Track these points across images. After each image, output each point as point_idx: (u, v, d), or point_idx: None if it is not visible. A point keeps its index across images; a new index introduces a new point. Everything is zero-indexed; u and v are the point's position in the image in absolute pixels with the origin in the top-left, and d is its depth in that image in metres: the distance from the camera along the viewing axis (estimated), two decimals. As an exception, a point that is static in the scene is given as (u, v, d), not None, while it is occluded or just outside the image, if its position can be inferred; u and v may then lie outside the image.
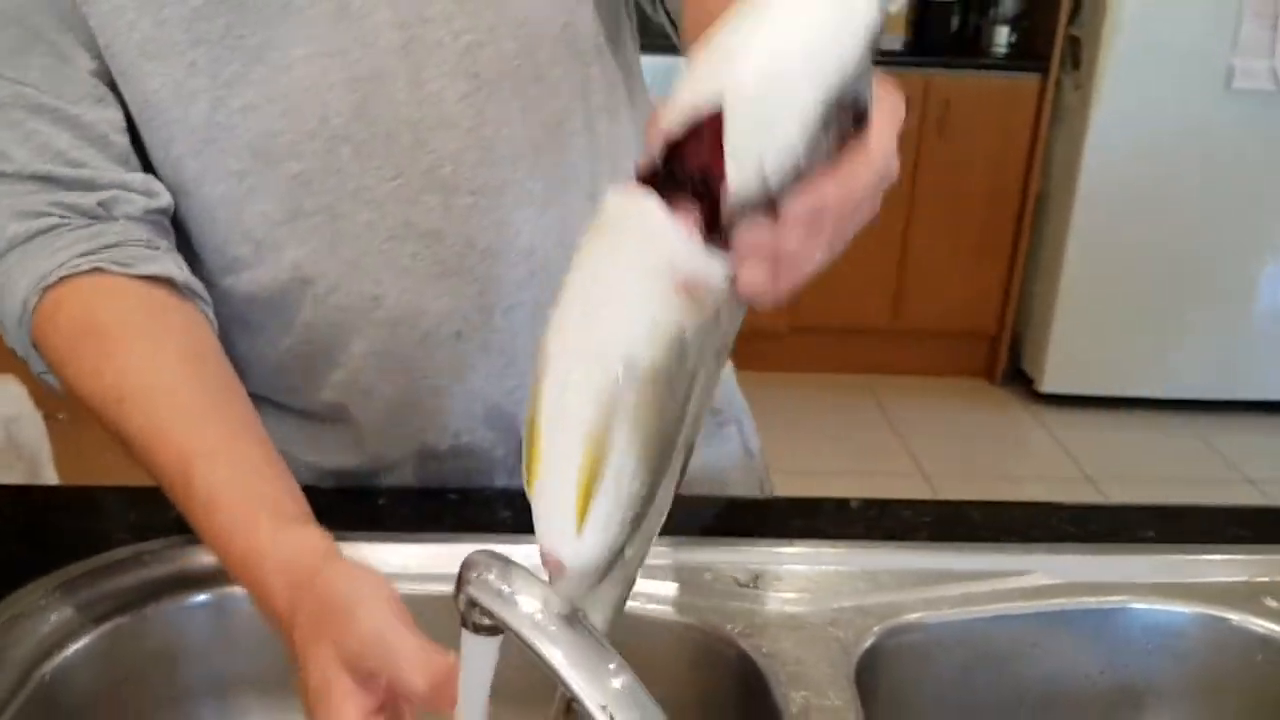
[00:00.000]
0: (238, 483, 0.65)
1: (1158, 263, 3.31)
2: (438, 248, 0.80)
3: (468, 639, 0.51)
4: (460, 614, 0.51)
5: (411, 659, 0.54)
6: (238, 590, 0.76)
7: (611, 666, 0.48)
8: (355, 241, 0.79)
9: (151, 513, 0.83)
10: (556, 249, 0.85)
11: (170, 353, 0.71)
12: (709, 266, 0.42)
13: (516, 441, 0.90)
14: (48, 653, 0.71)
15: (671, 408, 0.44)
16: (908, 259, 3.47)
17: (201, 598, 0.76)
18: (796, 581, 0.80)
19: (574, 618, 0.48)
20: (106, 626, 0.73)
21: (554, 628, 0.48)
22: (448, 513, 0.87)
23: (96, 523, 0.83)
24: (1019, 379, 3.56)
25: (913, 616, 0.78)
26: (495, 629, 0.50)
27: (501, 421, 0.89)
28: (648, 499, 0.46)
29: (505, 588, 0.49)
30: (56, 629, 0.72)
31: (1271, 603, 0.81)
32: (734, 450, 1.03)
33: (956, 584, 0.81)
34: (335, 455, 0.89)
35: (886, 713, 0.77)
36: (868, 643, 0.76)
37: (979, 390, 3.56)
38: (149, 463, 0.68)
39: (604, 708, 0.47)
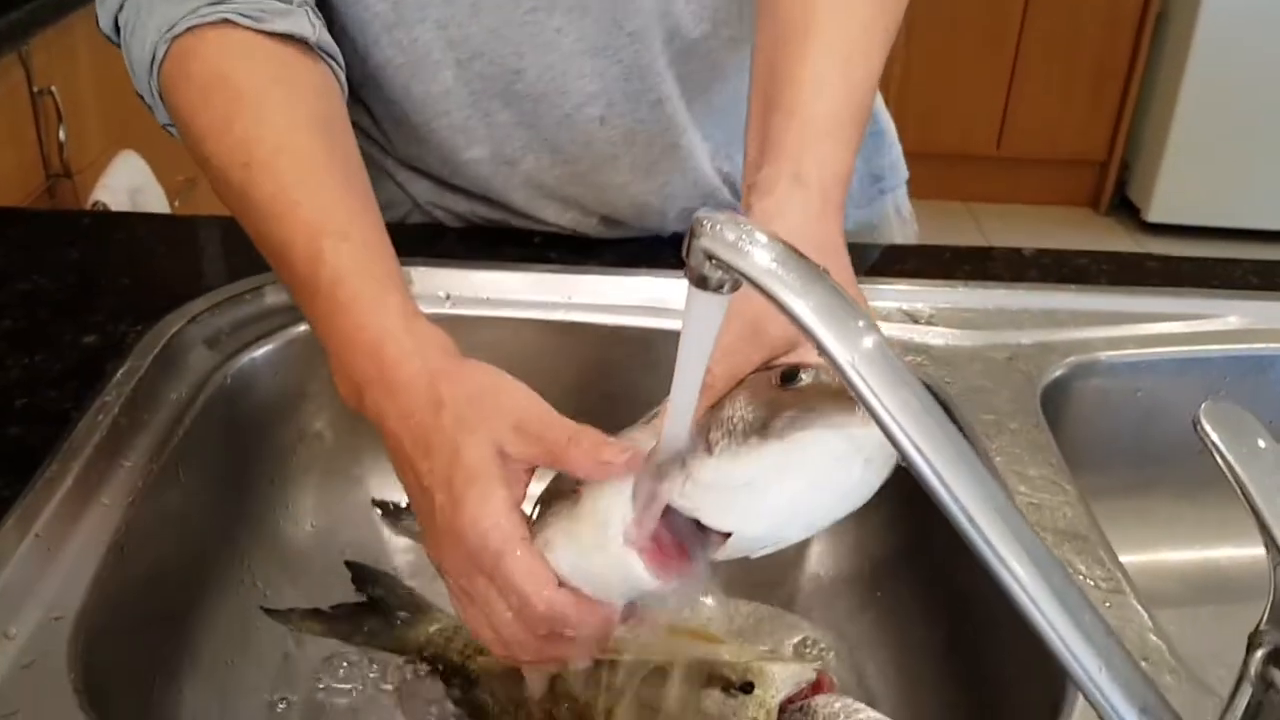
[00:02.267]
0: (369, 266, 0.59)
1: (1278, 90, 3.15)
2: (583, 24, 0.76)
3: (695, 298, 0.49)
4: (688, 271, 0.48)
5: (570, 427, 0.52)
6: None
7: (861, 324, 0.45)
8: (498, 9, 0.75)
9: (312, 239, 0.82)
10: (706, 40, 0.80)
11: (301, 118, 0.66)
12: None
13: (673, 225, 0.88)
14: (226, 358, 0.71)
15: None
16: (1016, 83, 3.33)
17: (373, 315, 0.76)
18: (974, 319, 0.78)
19: (817, 270, 0.46)
20: (284, 338, 0.73)
21: (797, 279, 0.46)
22: (608, 250, 0.85)
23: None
24: (1125, 208, 3.44)
25: (1100, 355, 0.75)
26: (726, 286, 0.48)
27: (648, 216, 0.86)
28: None
29: (744, 240, 0.46)
30: (233, 337, 0.72)
31: None
32: (888, 209, 1.00)
33: (1138, 325, 0.78)
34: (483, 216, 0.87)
35: (1066, 448, 0.75)
36: (1053, 375, 0.73)
37: (1084, 219, 3.46)
38: (269, 231, 0.62)
39: (852, 364, 0.45)
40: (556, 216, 0.86)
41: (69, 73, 1.58)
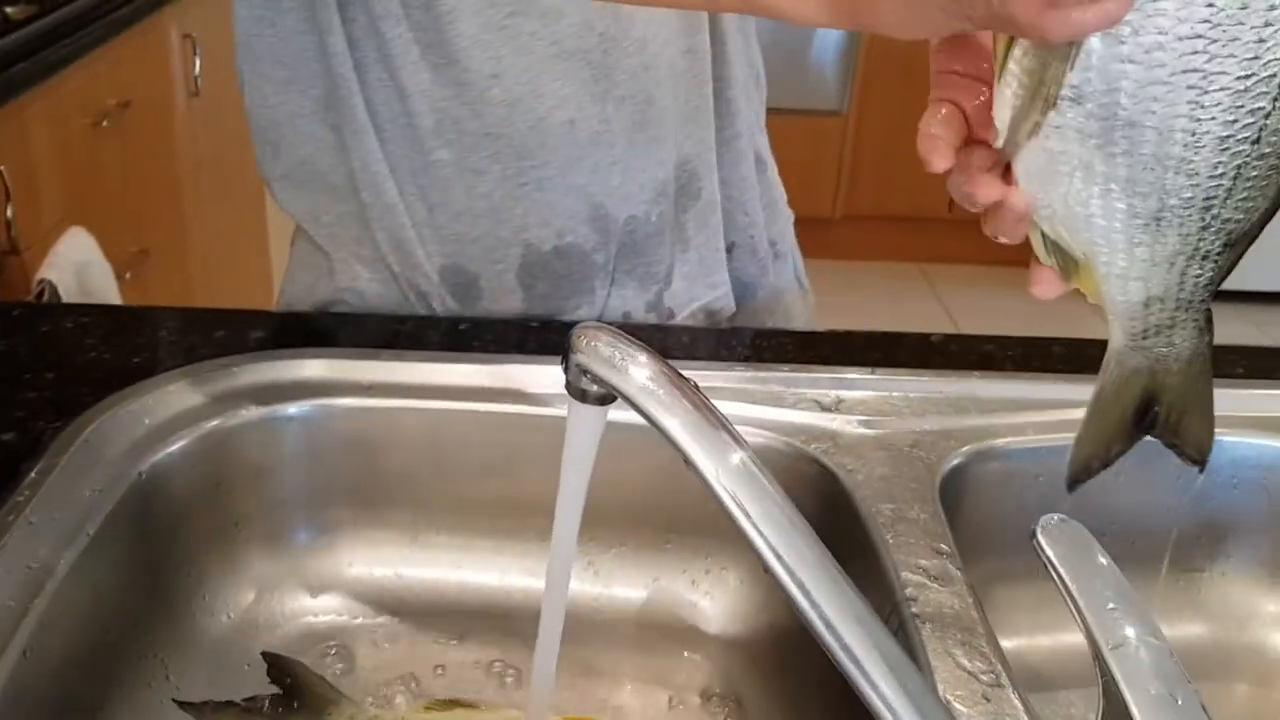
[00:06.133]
0: None
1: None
2: (556, 27, 0.82)
3: (575, 410, 0.51)
4: (568, 384, 0.51)
5: None
6: (329, 403, 0.78)
7: (728, 439, 0.48)
8: (475, 17, 0.81)
9: (237, 331, 0.84)
10: (666, 47, 0.85)
11: None
12: None
13: (617, 245, 0.91)
14: (144, 453, 0.72)
15: None
16: (968, 146, 3.39)
17: (292, 410, 0.77)
18: (879, 406, 0.80)
19: (689, 386, 0.48)
20: (200, 431, 0.74)
21: (668, 396, 0.48)
22: (531, 338, 0.87)
23: (184, 338, 0.84)
24: (1078, 269, 3.50)
25: (998, 441, 0.78)
26: (605, 398, 0.50)
27: (604, 223, 0.89)
28: None
29: (617, 355, 0.49)
30: (151, 431, 0.73)
31: (1364, 438, 0.80)
32: (791, 281, 1.04)
33: (1041, 411, 0.80)
34: (442, 245, 0.89)
35: (967, 534, 0.77)
36: (952, 463, 0.76)
37: (1037, 280, 3.51)
38: None
39: (718, 478, 0.47)
40: (512, 235, 0.88)
41: (19, 152, 1.59)
